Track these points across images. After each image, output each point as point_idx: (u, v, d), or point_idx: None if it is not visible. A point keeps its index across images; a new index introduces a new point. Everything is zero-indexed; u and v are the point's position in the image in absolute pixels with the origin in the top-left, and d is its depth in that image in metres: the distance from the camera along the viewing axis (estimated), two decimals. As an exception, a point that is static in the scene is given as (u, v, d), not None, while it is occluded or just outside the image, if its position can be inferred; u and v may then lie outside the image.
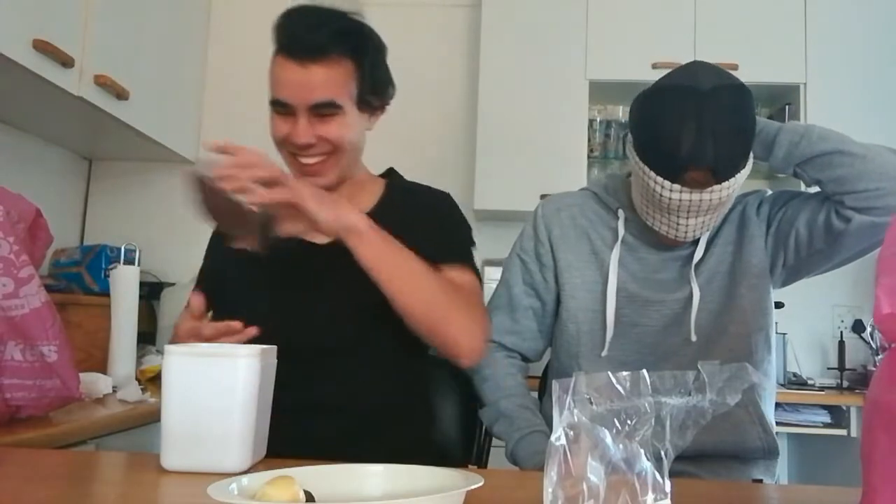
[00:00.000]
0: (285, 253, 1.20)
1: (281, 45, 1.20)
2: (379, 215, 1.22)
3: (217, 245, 1.38)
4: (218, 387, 0.91)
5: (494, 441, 1.56)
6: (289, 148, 1.22)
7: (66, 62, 1.70)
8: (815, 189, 1.32)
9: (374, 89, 1.26)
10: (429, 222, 1.29)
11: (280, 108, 1.20)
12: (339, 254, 1.13)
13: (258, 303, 1.23)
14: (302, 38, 1.17)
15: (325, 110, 1.19)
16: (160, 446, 0.93)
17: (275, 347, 0.99)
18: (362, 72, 1.22)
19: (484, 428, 1.57)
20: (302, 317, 1.22)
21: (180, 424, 0.91)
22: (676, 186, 1.23)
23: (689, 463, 1.30)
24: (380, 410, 1.24)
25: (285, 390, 1.02)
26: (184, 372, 0.91)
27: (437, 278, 1.17)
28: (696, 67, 1.27)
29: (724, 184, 1.22)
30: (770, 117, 3.18)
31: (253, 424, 0.92)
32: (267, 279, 1.26)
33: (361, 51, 1.22)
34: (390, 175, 1.42)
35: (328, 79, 1.18)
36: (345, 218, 1.10)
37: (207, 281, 1.37)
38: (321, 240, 1.24)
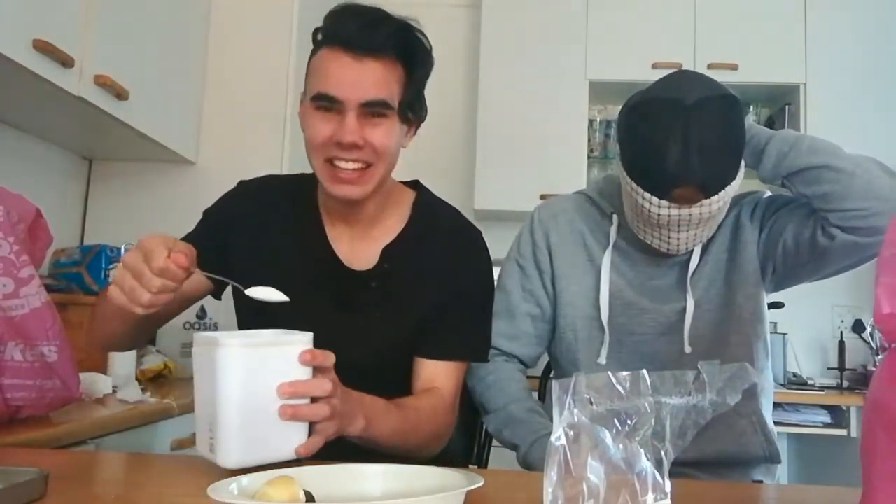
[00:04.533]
0: (326, 274, 1.22)
1: (334, 38, 1.12)
2: (401, 248, 1.24)
3: (241, 239, 1.28)
4: (281, 374, 0.89)
5: (494, 441, 1.56)
6: (329, 151, 1.13)
7: (66, 62, 1.69)
8: None
9: (416, 102, 1.19)
10: (445, 279, 1.23)
11: (326, 103, 1.11)
12: (374, 278, 1.22)
13: (292, 314, 1.16)
14: (360, 32, 1.10)
15: (375, 109, 1.11)
16: (216, 447, 0.87)
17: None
18: (410, 80, 1.15)
19: (484, 428, 1.56)
20: (337, 334, 1.18)
21: (241, 418, 0.87)
22: (665, 203, 1.21)
23: (690, 467, 1.30)
24: None
25: None
26: (243, 364, 0.87)
27: (415, 433, 1.14)
28: (681, 78, 1.24)
29: (713, 198, 1.20)
30: (770, 117, 3.19)
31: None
32: (304, 293, 1.20)
33: (414, 58, 1.16)
34: (417, 189, 1.33)
35: (383, 77, 1.11)
36: (345, 432, 1.01)
37: (211, 263, 1.25)
38: (360, 267, 1.24)
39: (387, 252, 1.23)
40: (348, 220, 1.24)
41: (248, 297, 1.03)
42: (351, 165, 1.13)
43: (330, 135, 1.11)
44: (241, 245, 1.27)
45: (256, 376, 0.87)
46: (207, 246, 1.28)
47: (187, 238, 1.31)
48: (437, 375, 1.23)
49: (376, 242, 1.24)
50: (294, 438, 0.90)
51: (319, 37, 1.16)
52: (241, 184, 1.36)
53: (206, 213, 1.34)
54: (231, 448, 0.86)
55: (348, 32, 1.10)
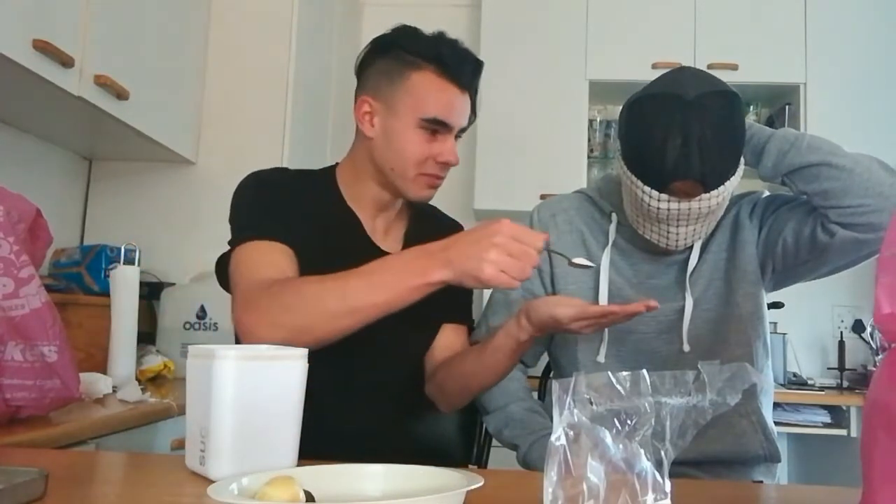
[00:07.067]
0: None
1: (447, 70, 1.26)
2: (414, 234, 1.38)
3: (297, 222, 1.27)
4: (276, 389, 0.89)
5: (494, 441, 1.56)
6: (429, 167, 1.27)
7: (66, 62, 1.70)
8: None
9: None
10: None
11: (439, 126, 1.25)
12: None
13: None
14: (469, 73, 1.28)
15: (460, 134, 1.31)
16: (207, 459, 0.87)
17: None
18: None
19: (484, 428, 1.57)
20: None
21: (233, 431, 0.86)
22: (664, 196, 1.22)
23: (690, 467, 1.30)
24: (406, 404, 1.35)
25: (328, 386, 1.07)
26: (239, 377, 0.87)
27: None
28: (683, 74, 1.25)
29: (712, 192, 1.21)
30: (770, 117, 3.19)
31: (301, 422, 0.93)
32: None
33: (476, 94, 1.35)
34: None
35: (470, 107, 1.31)
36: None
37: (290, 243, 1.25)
38: (391, 251, 1.33)
39: (406, 236, 1.39)
40: (383, 212, 1.37)
41: None
42: (440, 179, 1.31)
43: (434, 154, 1.26)
44: (299, 225, 1.26)
45: (251, 390, 0.87)
46: (283, 230, 1.25)
47: (262, 226, 1.25)
48: (454, 341, 1.38)
49: (395, 230, 1.39)
50: (284, 453, 0.90)
51: (414, 53, 1.26)
52: (255, 175, 1.32)
53: (251, 204, 1.29)
54: (222, 460, 0.86)
55: (461, 71, 1.27)
